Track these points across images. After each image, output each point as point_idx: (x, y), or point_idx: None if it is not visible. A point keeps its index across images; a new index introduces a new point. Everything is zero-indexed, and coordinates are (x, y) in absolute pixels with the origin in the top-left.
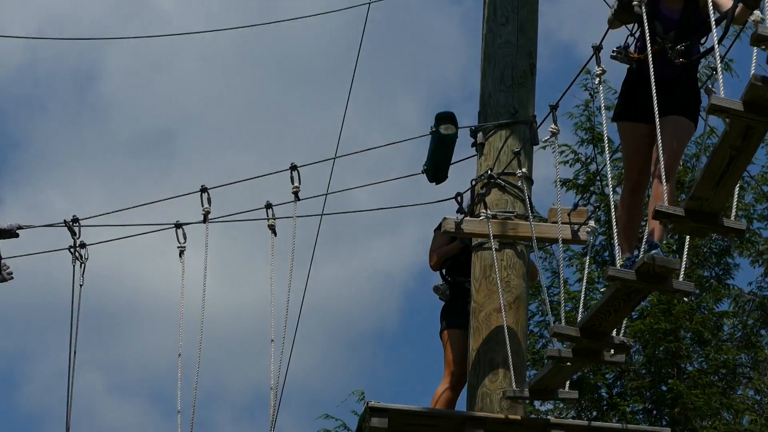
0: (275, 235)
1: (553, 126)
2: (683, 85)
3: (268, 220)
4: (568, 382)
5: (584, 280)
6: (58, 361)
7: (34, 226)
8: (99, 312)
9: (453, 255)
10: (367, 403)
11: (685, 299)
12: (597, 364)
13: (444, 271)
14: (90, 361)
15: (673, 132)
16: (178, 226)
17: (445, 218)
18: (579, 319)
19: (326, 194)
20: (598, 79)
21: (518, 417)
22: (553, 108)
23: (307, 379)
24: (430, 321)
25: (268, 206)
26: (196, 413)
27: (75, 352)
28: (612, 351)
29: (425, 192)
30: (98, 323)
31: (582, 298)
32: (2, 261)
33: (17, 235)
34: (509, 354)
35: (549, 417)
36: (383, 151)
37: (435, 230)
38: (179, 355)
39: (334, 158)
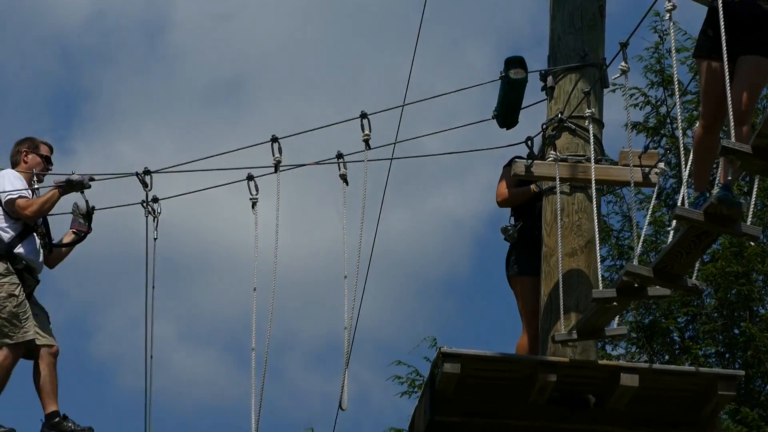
0: (347, 185)
1: (623, 64)
2: (763, 25)
3: (339, 169)
4: (616, 319)
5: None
6: (130, 311)
7: (106, 178)
8: (171, 262)
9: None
10: (440, 348)
11: (752, 243)
12: (641, 300)
13: (514, 212)
14: (162, 310)
15: (749, 72)
16: (250, 178)
17: (515, 161)
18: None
19: (395, 143)
20: (668, 14)
21: (590, 361)
22: (624, 46)
23: (379, 327)
24: (501, 267)
25: (339, 156)
26: (269, 361)
27: (152, 307)
28: (657, 287)
29: (495, 137)
30: (170, 273)
31: (639, 240)
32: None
33: (89, 187)
34: (577, 298)
35: (621, 361)
36: (453, 97)
37: (504, 167)
38: (254, 307)
39: (403, 105)
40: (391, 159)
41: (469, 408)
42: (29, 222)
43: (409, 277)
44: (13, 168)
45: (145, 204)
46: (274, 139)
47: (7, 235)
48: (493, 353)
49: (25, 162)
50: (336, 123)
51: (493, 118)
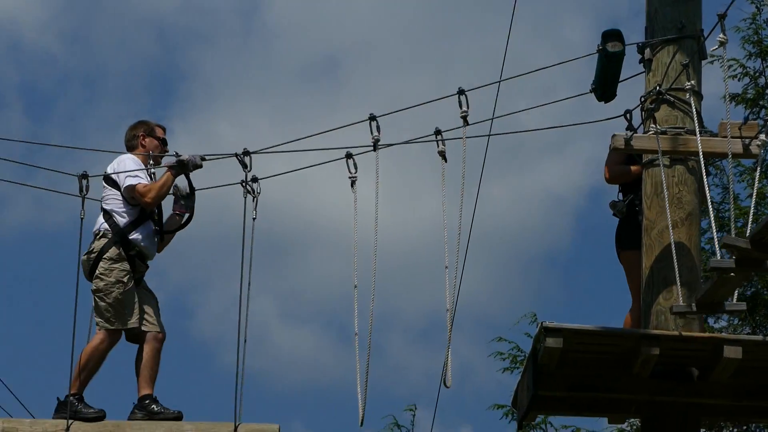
0: (446, 161)
1: (721, 36)
2: None
3: (437, 146)
4: (735, 294)
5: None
6: (230, 290)
7: (210, 158)
8: (271, 240)
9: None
10: (541, 323)
11: None
12: (760, 272)
13: (622, 187)
14: (263, 289)
15: None
16: (348, 156)
17: (614, 135)
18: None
19: (492, 118)
20: None
21: (693, 334)
22: (721, 17)
23: (482, 303)
24: (603, 242)
25: (437, 132)
26: (372, 337)
27: (249, 287)
28: None
29: (594, 111)
30: (270, 252)
31: (751, 213)
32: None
33: (201, 166)
34: (679, 271)
35: (724, 334)
36: (551, 71)
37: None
38: (355, 286)
39: (500, 81)
40: (489, 135)
41: (572, 382)
42: (148, 209)
43: (511, 253)
44: (129, 152)
45: (244, 184)
46: (372, 118)
47: (123, 220)
48: (595, 327)
49: (143, 146)
50: (434, 100)
51: (591, 92)
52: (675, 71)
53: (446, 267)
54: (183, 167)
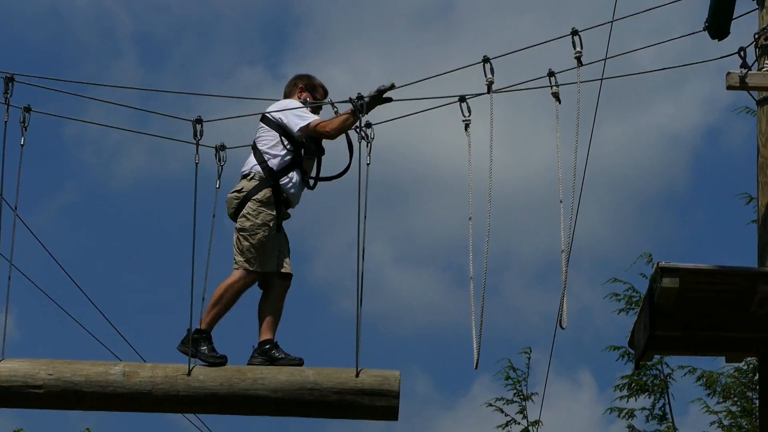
0: (559, 103)
1: None
2: None
3: (551, 88)
4: None
5: None
6: (346, 235)
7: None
8: (386, 186)
9: None
10: (657, 263)
11: None
12: None
13: None
14: (378, 233)
15: None
16: (462, 99)
17: (729, 73)
18: None
19: (606, 59)
20: None
21: None
22: None
23: (598, 243)
24: (722, 181)
25: (551, 74)
26: (487, 282)
27: (364, 239)
28: None
29: (709, 49)
30: (386, 196)
31: None
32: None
33: (394, 86)
34: None
35: None
36: (664, 9)
37: None
38: (469, 219)
39: (612, 21)
40: (602, 79)
41: (689, 322)
42: (328, 138)
43: (627, 193)
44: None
45: (358, 129)
46: (486, 60)
47: (276, 164)
48: (712, 266)
49: (299, 98)
50: (546, 41)
51: (704, 30)
52: None
53: (560, 205)
54: (375, 101)
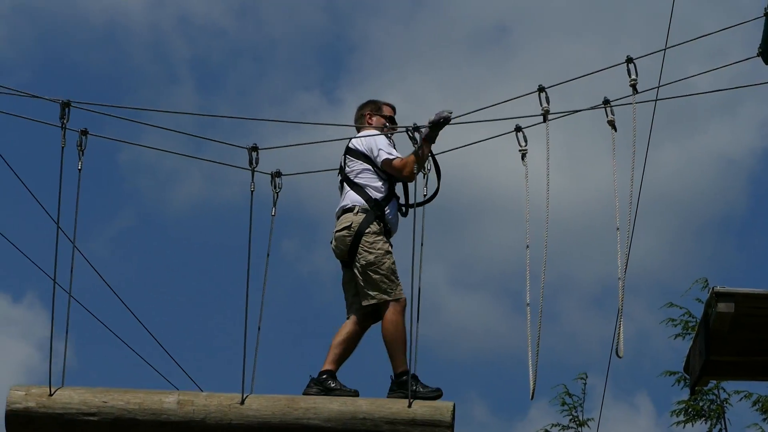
0: (615, 131)
1: None
2: None
3: (606, 115)
4: None
5: None
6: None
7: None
8: (445, 210)
9: None
10: (713, 288)
11: None
12: None
13: None
14: (434, 257)
15: None
16: (518, 129)
17: None
18: None
19: (659, 86)
20: None
21: None
22: None
23: (657, 268)
24: None
25: (606, 102)
26: (544, 306)
27: (421, 261)
28: None
29: (765, 72)
30: (444, 221)
31: None
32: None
33: (449, 119)
34: None
35: None
36: (722, 33)
37: None
38: (527, 266)
39: (665, 49)
40: (656, 100)
41: (745, 347)
42: (407, 182)
43: (684, 218)
44: (358, 131)
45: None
46: (541, 89)
47: (378, 195)
48: (767, 291)
49: (370, 124)
50: (602, 69)
51: (758, 56)
52: None
53: (617, 230)
54: (436, 128)
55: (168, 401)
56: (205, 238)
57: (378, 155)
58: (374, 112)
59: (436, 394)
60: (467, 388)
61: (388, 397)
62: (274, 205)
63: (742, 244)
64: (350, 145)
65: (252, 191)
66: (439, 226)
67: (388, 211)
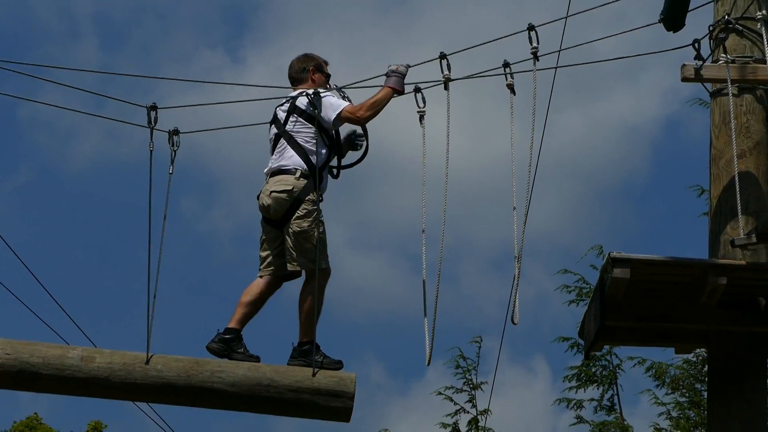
0: (514, 94)
1: None
2: None
3: (506, 79)
4: None
5: None
6: None
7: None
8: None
9: None
10: (609, 254)
11: None
12: None
13: None
14: (335, 218)
15: None
16: (417, 90)
17: (684, 65)
18: None
19: (559, 50)
20: None
21: (761, 263)
22: None
23: (557, 233)
24: (680, 173)
25: (506, 65)
26: (443, 267)
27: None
28: None
29: (668, 39)
30: (342, 181)
31: None
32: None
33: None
34: (747, 200)
35: None
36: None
37: None
38: (423, 226)
39: (567, 17)
40: (556, 67)
41: (639, 313)
42: (363, 124)
43: (586, 184)
44: (294, 85)
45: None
46: (443, 56)
47: (319, 161)
48: (663, 257)
49: (313, 81)
50: (503, 37)
51: (659, 22)
52: (744, 0)
53: (514, 194)
54: (402, 79)
55: (71, 356)
56: (104, 195)
57: (334, 114)
58: (317, 69)
59: (338, 366)
60: (364, 349)
61: (288, 364)
62: (172, 163)
63: (643, 211)
64: (297, 103)
65: (151, 150)
66: (339, 187)
67: (325, 179)
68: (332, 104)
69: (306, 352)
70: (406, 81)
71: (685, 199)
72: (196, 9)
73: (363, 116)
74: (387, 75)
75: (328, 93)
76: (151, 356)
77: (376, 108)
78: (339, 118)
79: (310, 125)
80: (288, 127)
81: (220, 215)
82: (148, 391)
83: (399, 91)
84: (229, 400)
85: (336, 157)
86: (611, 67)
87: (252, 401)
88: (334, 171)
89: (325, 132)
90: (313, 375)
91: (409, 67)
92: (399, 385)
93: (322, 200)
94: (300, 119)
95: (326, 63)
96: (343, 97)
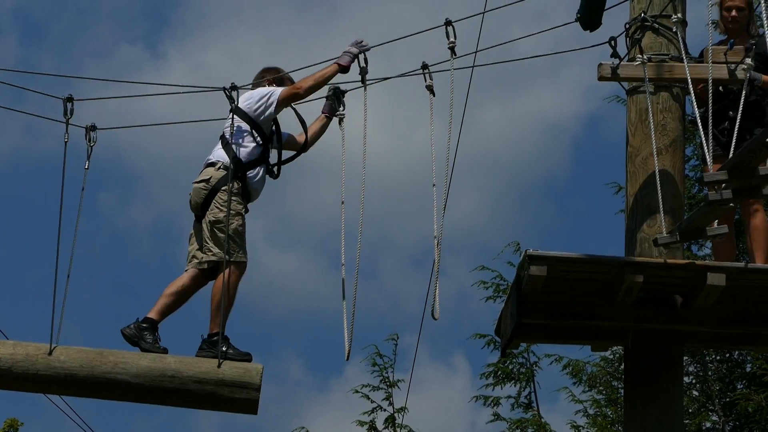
0: (434, 96)
1: None
2: None
3: (425, 79)
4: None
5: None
6: None
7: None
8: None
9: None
10: (526, 251)
11: None
12: (757, 198)
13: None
14: (253, 212)
15: None
16: (336, 91)
17: (600, 64)
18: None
19: (476, 51)
20: None
21: (677, 261)
22: None
23: (478, 229)
24: (601, 170)
25: (424, 66)
26: (363, 264)
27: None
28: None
29: (586, 37)
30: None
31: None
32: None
33: (368, 48)
34: (663, 198)
35: (707, 261)
36: None
37: None
38: (342, 222)
39: (484, 12)
40: (473, 66)
41: (556, 310)
42: (302, 98)
43: (507, 180)
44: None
45: (231, 116)
46: (360, 51)
47: (245, 155)
48: (579, 255)
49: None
50: (421, 32)
51: (576, 21)
52: None
53: (434, 190)
54: (352, 58)
55: None
56: (21, 191)
57: (267, 106)
58: (275, 82)
59: (245, 358)
60: (284, 346)
61: (196, 356)
62: (88, 158)
63: (563, 208)
64: (237, 103)
65: (65, 142)
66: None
67: (252, 174)
68: (265, 94)
69: (214, 343)
70: None
71: (604, 196)
72: (115, 4)
73: (303, 87)
74: (343, 52)
75: (263, 91)
76: (55, 347)
77: (317, 80)
78: (279, 102)
79: (242, 120)
80: (224, 125)
81: (138, 211)
82: (51, 382)
83: (344, 68)
84: (132, 391)
85: (277, 154)
86: (532, 62)
87: (156, 393)
88: (274, 170)
89: (257, 127)
90: (219, 366)
91: (367, 47)
92: (318, 382)
93: (250, 198)
94: (236, 116)
95: (291, 80)
96: (354, 54)
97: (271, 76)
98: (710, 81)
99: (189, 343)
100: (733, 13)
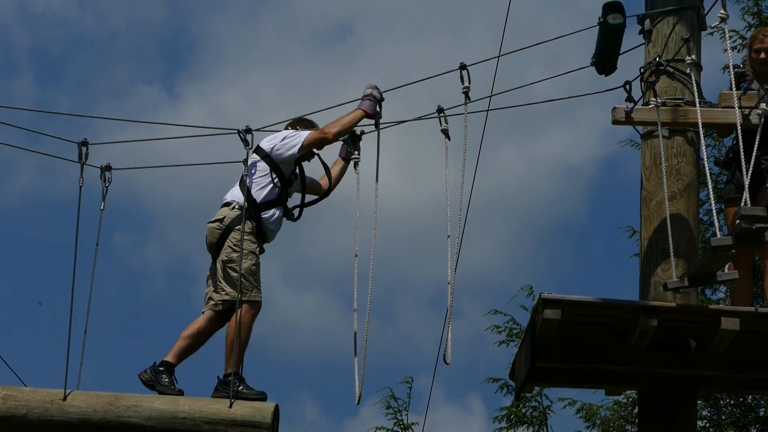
0: (449, 140)
1: (722, 11)
2: None
3: (440, 123)
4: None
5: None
6: None
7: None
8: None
9: None
10: (540, 294)
11: None
12: (759, 245)
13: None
14: (269, 253)
15: None
16: (352, 139)
17: (615, 108)
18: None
19: (491, 95)
20: None
21: (691, 305)
22: None
23: (494, 273)
24: (617, 213)
25: (440, 110)
26: (379, 306)
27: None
28: None
29: (603, 79)
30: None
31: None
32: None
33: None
34: (677, 242)
35: (721, 305)
36: (562, 38)
37: None
38: (355, 271)
39: (498, 56)
40: (488, 110)
41: (570, 354)
42: (330, 142)
43: (524, 223)
44: None
45: (246, 161)
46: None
47: (261, 196)
48: (594, 299)
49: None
50: (436, 75)
51: (591, 65)
52: (675, 42)
53: (448, 238)
54: (375, 104)
55: None
56: (37, 232)
57: (290, 148)
58: (304, 129)
59: (259, 397)
60: (299, 387)
61: (212, 397)
62: (103, 199)
63: (580, 252)
64: (260, 144)
65: (81, 186)
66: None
67: (268, 215)
68: (289, 135)
69: (228, 383)
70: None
71: (619, 239)
72: (133, 44)
73: (332, 132)
74: (362, 97)
75: (288, 132)
76: (69, 393)
77: (344, 126)
78: (304, 146)
79: (262, 161)
80: (247, 166)
81: (153, 251)
82: (65, 428)
83: (370, 115)
84: None
85: (301, 197)
86: (548, 105)
87: None
88: (294, 213)
89: (276, 168)
90: (230, 406)
91: (382, 98)
92: (333, 424)
93: (266, 238)
94: (257, 156)
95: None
96: (377, 98)
97: (303, 126)
98: (738, 129)
99: (207, 385)
100: (762, 55)
